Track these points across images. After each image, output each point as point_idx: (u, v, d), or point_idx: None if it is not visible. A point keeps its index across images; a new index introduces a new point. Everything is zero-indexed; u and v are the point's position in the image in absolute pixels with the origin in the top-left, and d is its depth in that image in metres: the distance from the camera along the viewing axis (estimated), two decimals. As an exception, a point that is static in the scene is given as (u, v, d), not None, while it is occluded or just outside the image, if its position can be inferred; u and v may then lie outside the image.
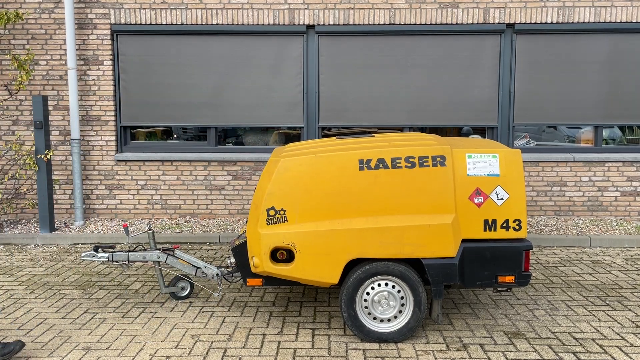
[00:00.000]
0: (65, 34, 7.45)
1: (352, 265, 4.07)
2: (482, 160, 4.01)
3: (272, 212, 3.97)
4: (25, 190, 7.66)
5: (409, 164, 3.96)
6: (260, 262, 3.98)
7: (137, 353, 3.84)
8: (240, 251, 4.20)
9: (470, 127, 7.72)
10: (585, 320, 4.41)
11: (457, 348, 3.91)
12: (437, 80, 7.53)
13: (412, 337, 4.08)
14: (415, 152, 3.98)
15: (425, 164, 3.97)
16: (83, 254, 4.66)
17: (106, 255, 4.64)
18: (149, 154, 7.63)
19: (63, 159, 7.71)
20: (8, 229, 7.26)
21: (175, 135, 7.90)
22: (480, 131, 7.74)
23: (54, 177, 7.71)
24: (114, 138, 7.66)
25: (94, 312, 4.61)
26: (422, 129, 7.74)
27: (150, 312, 4.60)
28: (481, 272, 3.99)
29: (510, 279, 4.01)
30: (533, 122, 7.60)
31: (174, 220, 7.67)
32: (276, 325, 4.31)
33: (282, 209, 3.96)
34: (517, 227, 3.99)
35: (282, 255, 4.03)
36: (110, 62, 7.55)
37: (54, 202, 7.75)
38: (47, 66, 7.56)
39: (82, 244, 6.89)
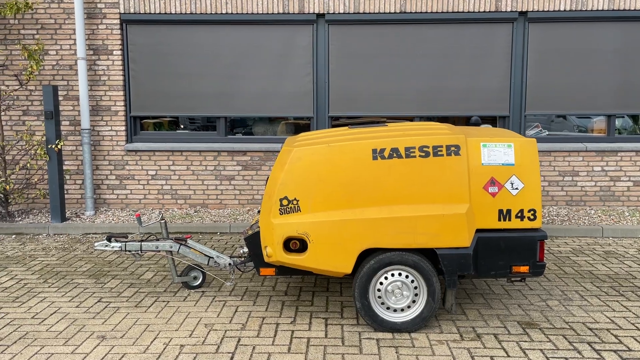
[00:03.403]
0: (74, 24, 7.44)
1: (366, 255, 4.06)
2: (497, 150, 3.97)
3: (285, 202, 3.95)
4: (36, 180, 7.69)
5: (423, 154, 3.93)
6: (273, 251, 3.97)
7: (152, 342, 3.85)
8: (253, 241, 4.19)
9: (481, 117, 7.65)
10: (600, 311, 4.38)
11: (471, 338, 3.90)
12: (448, 69, 7.47)
13: (426, 327, 4.07)
14: (429, 141, 3.94)
15: (439, 153, 3.94)
16: (96, 244, 4.68)
17: (119, 245, 4.65)
18: (159, 144, 7.63)
19: (73, 149, 7.73)
20: (20, 218, 7.30)
21: (182, 126, 7.88)
22: (492, 121, 7.69)
23: (64, 167, 7.73)
24: (124, 128, 7.67)
25: (107, 301, 4.63)
26: (433, 119, 7.69)
27: (164, 302, 4.61)
28: (495, 262, 3.97)
29: (524, 269, 3.99)
30: (545, 112, 7.53)
31: (184, 210, 7.68)
32: (289, 315, 4.31)
33: (295, 199, 3.95)
34: (532, 217, 3.96)
35: (295, 245, 4.02)
36: (119, 52, 7.53)
37: (65, 192, 7.77)
38: (56, 56, 7.56)
39: (93, 233, 6.91)
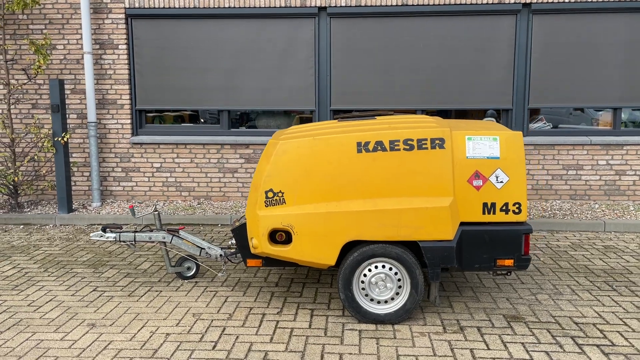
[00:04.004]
0: (81, 19, 7.56)
1: (350, 247, 4.10)
2: (482, 143, 3.97)
3: (270, 194, 4.01)
4: (44, 172, 7.87)
5: (408, 147, 3.95)
6: (258, 243, 4.03)
7: (139, 330, 3.95)
8: (240, 232, 4.26)
9: (484, 110, 7.60)
10: (589, 305, 4.36)
11: (454, 330, 3.92)
12: (451, 62, 7.43)
13: (410, 319, 4.10)
14: (414, 134, 3.96)
15: (424, 146, 3.95)
16: (92, 234, 4.79)
17: (113, 235, 4.76)
18: (164, 137, 7.74)
19: (81, 141, 7.88)
20: (28, 209, 7.48)
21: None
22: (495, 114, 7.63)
23: (72, 160, 7.89)
24: (129, 121, 7.79)
25: (102, 290, 4.75)
26: (436, 112, 7.66)
27: (156, 291, 4.71)
28: (480, 255, 3.97)
29: (509, 262, 3.99)
30: (549, 105, 7.45)
31: (187, 202, 7.79)
32: (276, 306, 4.38)
33: (280, 191, 4.00)
34: (517, 211, 3.96)
35: (280, 236, 4.07)
36: (125, 46, 7.65)
37: (73, 184, 7.94)
38: (64, 50, 7.71)
39: (98, 224, 7.06)
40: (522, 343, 3.72)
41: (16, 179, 7.32)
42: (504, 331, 3.90)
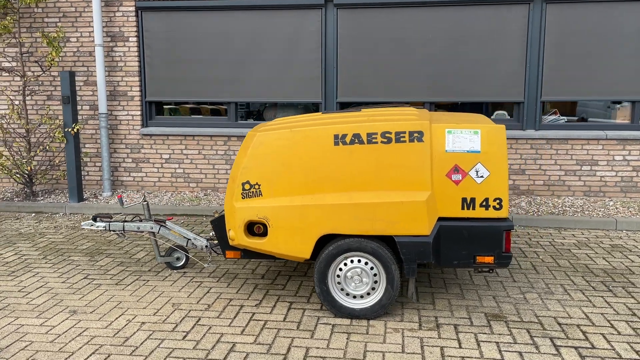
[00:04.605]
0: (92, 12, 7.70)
1: (326, 241, 4.06)
2: (462, 136, 3.85)
3: (247, 186, 4.00)
4: (57, 162, 8.08)
5: (385, 140, 3.87)
6: (235, 235, 4.03)
7: (116, 318, 4.01)
8: (219, 224, 4.27)
9: (494, 103, 7.40)
10: (578, 306, 4.20)
11: (429, 327, 3.84)
12: (460, 53, 7.25)
13: (387, 314, 4.03)
14: (392, 127, 3.87)
15: (402, 139, 3.86)
16: (82, 223, 4.89)
17: (103, 224, 4.84)
18: (172, 129, 7.83)
19: (93, 132, 8.05)
20: (42, 198, 7.70)
21: (198, 111, 8.05)
22: (505, 106, 7.41)
23: (85, 150, 8.07)
24: (139, 113, 7.91)
25: (92, 278, 4.84)
26: (444, 105, 7.50)
27: (143, 280, 4.78)
28: (458, 251, 3.87)
29: (489, 259, 3.87)
30: (563, 98, 7.19)
31: (195, 193, 7.87)
32: (257, 298, 4.38)
33: (257, 183, 3.98)
34: (497, 206, 3.83)
35: (259, 229, 4.07)
36: (135, 39, 7.76)
37: (86, 174, 8.13)
38: (77, 43, 7.87)
39: (105, 214, 7.20)
40: (497, 342, 3.61)
41: (29, 168, 7.54)
42: (481, 330, 3.80)
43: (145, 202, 4.90)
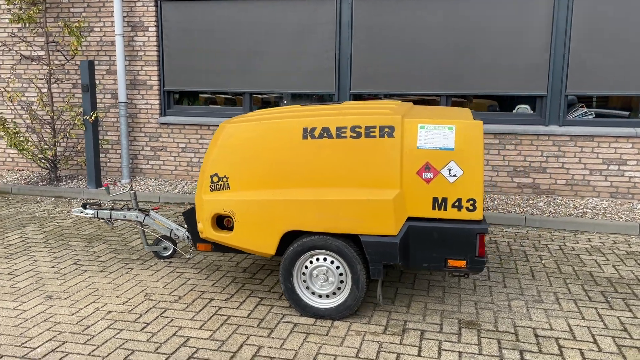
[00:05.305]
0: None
1: (294, 237, 3.94)
2: (435, 133, 3.64)
3: (215, 179, 3.94)
4: (79, 148, 8.32)
5: (355, 134, 3.71)
6: (204, 228, 3.99)
7: (86, 305, 4.06)
8: (191, 216, 4.24)
9: (514, 97, 7.00)
10: (565, 317, 3.90)
11: (394, 332, 3.66)
12: (479, 43, 6.90)
13: (356, 316, 3.88)
14: (362, 121, 3.70)
15: (372, 134, 3.69)
16: (73, 210, 4.98)
17: (92, 211, 4.92)
18: (189, 118, 7.89)
19: (115, 120, 8.23)
20: (64, 183, 7.96)
21: (213, 102, 8.07)
22: (528, 100, 7.01)
23: (107, 138, 8.27)
24: (158, 102, 8.02)
25: (81, 264, 4.94)
26: (460, 98, 7.17)
27: (128, 268, 4.82)
28: (428, 253, 3.67)
29: (461, 263, 3.65)
30: (589, 92, 6.72)
31: (209, 182, 7.90)
32: (229, 292, 4.32)
33: (225, 176, 3.92)
34: (471, 207, 3.60)
35: (228, 222, 4.01)
36: (154, 29, 7.84)
37: (108, 160, 8.33)
38: (100, 32, 8.05)
39: (119, 200, 7.36)
40: (460, 352, 3.40)
41: (51, 153, 7.80)
42: (448, 337, 3.59)
43: (133, 191, 4.94)
